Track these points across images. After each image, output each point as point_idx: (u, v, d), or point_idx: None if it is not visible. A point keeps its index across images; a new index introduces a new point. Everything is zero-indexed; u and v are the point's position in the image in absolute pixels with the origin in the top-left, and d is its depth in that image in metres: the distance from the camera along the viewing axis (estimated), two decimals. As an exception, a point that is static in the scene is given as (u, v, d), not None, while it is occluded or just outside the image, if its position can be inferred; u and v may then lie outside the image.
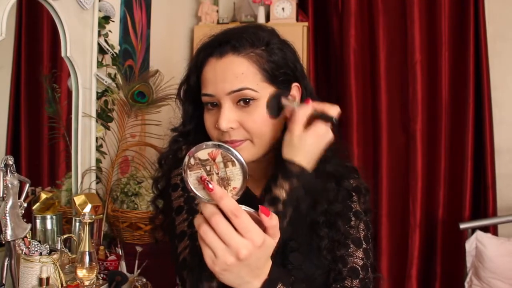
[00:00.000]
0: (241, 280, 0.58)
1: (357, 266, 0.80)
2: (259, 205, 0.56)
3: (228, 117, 0.75)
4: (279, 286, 0.61)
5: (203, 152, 0.56)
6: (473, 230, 2.16)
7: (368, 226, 0.86)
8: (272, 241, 0.57)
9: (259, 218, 0.56)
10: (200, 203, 0.57)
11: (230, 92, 0.76)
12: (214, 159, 0.56)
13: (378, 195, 2.44)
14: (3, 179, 1.05)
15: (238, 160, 0.56)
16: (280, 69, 0.79)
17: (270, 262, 0.60)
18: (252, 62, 0.77)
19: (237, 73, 0.76)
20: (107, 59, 1.64)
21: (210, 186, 0.55)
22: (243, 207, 0.55)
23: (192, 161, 0.56)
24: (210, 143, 0.56)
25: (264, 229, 0.56)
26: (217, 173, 0.56)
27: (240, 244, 0.54)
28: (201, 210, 0.56)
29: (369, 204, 0.88)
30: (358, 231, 0.84)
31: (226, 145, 0.56)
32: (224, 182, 0.56)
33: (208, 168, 0.56)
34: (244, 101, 0.76)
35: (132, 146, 1.64)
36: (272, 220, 0.56)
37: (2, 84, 1.34)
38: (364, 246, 0.83)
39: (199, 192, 0.56)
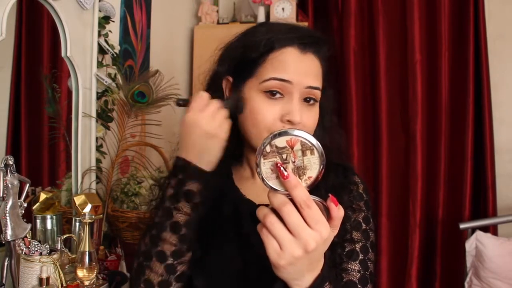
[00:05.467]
0: (299, 274, 0.56)
1: (355, 280, 0.76)
2: (330, 194, 0.55)
3: (301, 111, 0.75)
4: (326, 285, 0.58)
5: (282, 140, 0.54)
6: (473, 230, 2.16)
7: (368, 221, 0.82)
8: (332, 234, 0.55)
9: (322, 208, 0.54)
10: (269, 193, 0.55)
11: (308, 87, 0.76)
12: (292, 147, 0.54)
13: (378, 195, 2.44)
14: (3, 179, 1.05)
15: (318, 148, 0.54)
16: (325, 78, 0.82)
17: (322, 257, 0.58)
18: (321, 67, 0.79)
19: (317, 72, 0.78)
20: (107, 59, 1.64)
21: (285, 173, 0.53)
22: (312, 196, 0.54)
23: (268, 148, 0.54)
24: (289, 130, 0.55)
25: (328, 219, 0.54)
26: (293, 162, 0.54)
27: (309, 236, 0.52)
28: (270, 200, 0.54)
29: (369, 198, 0.85)
30: (360, 233, 0.79)
31: (306, 133, 0.55)
32: (300, 171, 0.55)
33: (284, 156, 0.54)
34: (312, 100, 0.77)
35: (132, 146, 1.63)
36: (340, 211, 0.55)
37: (2, 84, 1.34)
38: (361, 257, 0.78)
39: (270, 181, 0.55)
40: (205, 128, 0.70)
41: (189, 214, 0.72)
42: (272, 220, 0.53)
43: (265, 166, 0.54)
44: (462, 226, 2.15)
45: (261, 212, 0.55)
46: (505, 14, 2.42)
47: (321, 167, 0.55)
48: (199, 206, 0.73)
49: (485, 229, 2.19)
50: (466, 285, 2.12)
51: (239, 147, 0.85)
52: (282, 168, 0.53)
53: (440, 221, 2.40)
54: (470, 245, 2.12)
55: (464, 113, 2.36)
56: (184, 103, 0.77)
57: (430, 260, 2.42)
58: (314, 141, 0.54)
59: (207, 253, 0.78)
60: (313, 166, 0.55)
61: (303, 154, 0.54)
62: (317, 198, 0.54)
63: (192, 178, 0.72)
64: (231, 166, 0.89)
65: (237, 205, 0.83)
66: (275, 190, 0.54)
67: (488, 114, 2.34)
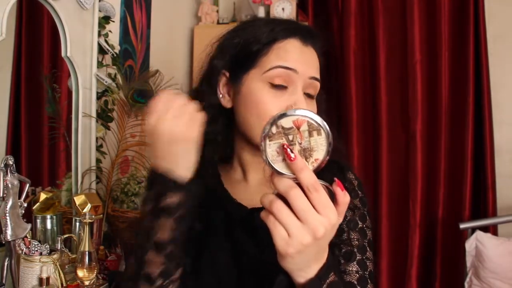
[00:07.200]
0: (305, 264, 0.53)
1: (353, 281, 0.73)
2: (335, 178, 0.53)
3: (306, 102, 0.73)
4: (331, 275, 0.55)
5: (288, 120, 0.52)
6: (473, 230, 2.16)
7: (365, 219, 0.79)
8: (338, 221, 0.52)
9: (328, 193, 0.52)
10: (274, 177, 0.52)
11: (311, 77, 0.75)
12: (298, 128, 0.52)
13: (378, 195, 2.44)
14: (3, 179, 1.05)
15: (325, 129, 0.52)
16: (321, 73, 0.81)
17: (327, 246, 0.56)
18: (319, 61, 0.79)
19: (317, 65, 0.78)
20: (107, 59, 1.65)
21: (292, 155, 0.50)
22: (318, 180, 0.51)
23: (274, 129, 0.52)
24: (294, 110, 0.52)
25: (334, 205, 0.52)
26: (300, 144, 0.52)
27: (318, 221, 0.50)
28: (275, 184, 0.52)
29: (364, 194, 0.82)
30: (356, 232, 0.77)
31: (312, 112, 0.52)
32: (306, 153, 0.52)
33: (290, 137, 0.52)
34: (311, 93, 0.77)
35: (132, 146, 1.63)
36: (346, 197, 0.53)
37: (2, 84, 1.34)
38: (359, 257, 0.75)
39: (276, 164, 0.52)
40: (167, 133, 0.60)
41: (173, 229, 0.64)
42: (279, 206, 0.51)
43: (271, 148, 0.52)
44: (462, 226, 2.15)
45: (267, 199, 0.52)
46: (505, 15, 2.42)
47: (328, 148, 0.53)
48: (183, 219, 0.65)
49: (485, 229, 2.19)
50: (466, 285, 2.12)
51: (228, 146, 0.80)
52: (288, 150, 0.51)
53: (440, 221, 2.40)
54: (470, 245, 2.12)
55: (464, 113, 2.36)
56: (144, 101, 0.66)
57: (430, 260, 2.42)
58: (320, 121, 0.52)
59: (199, 263, 0.75)
60: (320, 147, 0.52)
61: (310, 135, 0.52)
62: (323, 182, 0.52)
63: (169, 190, 0.63)
64: (218, 166, 0.84)
65: (227, 210, 0.79)
66: (281, 173, 0.52)
67: (488, 114, 2.34)
